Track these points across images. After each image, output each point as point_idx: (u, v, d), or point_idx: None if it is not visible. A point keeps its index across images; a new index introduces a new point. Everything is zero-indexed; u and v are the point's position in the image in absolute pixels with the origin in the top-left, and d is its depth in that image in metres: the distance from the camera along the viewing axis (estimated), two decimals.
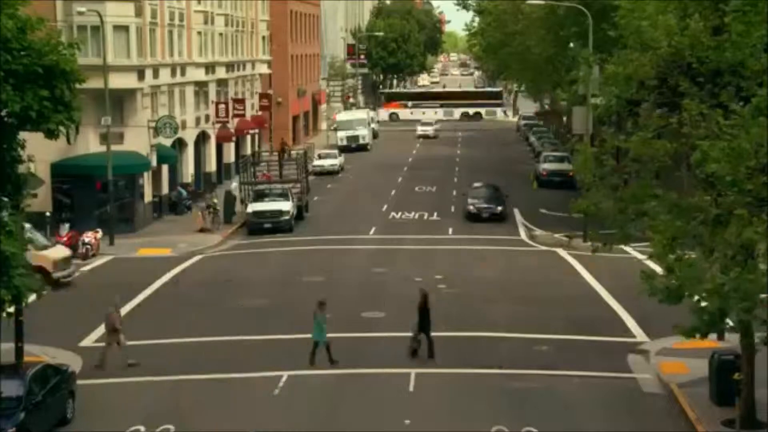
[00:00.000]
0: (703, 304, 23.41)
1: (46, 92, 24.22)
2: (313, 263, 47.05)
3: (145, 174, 55.96)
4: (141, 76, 54.34)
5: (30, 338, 30.41)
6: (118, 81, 52.07)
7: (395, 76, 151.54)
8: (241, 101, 73.39)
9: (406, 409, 27.09)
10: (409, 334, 32.09)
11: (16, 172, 25.48)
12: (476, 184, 62.80)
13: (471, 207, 58.29)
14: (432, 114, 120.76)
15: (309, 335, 34.22)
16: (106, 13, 50.93)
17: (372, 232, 55.06)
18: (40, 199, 48.02)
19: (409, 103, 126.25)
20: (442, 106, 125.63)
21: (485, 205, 58.23)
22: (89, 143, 52.16)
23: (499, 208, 58.19)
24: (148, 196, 56.69)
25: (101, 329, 35.44)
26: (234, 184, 61.91)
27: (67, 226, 48.50)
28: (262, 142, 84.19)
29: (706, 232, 23.88)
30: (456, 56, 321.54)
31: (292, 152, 70.08)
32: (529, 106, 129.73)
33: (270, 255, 49.66)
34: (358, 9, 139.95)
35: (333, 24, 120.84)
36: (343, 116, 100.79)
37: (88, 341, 34.15)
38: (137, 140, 54.56)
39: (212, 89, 69.57)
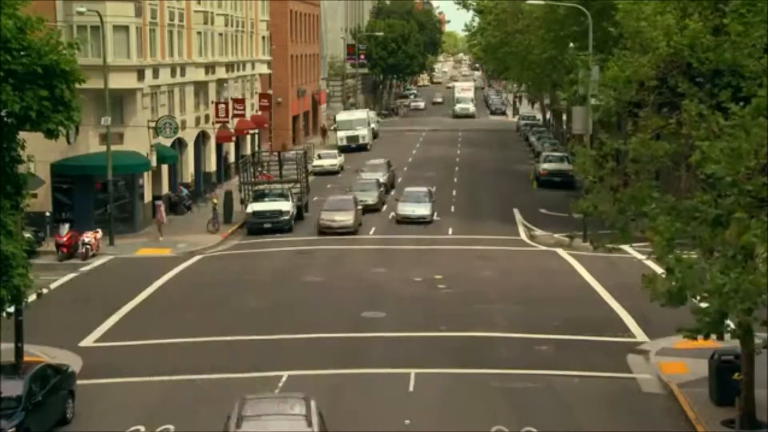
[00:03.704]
0: (704, 305, 23.42)
1: (45, 92, 24.18)
2: (313, 263, 47.05)
3: (145, 174, 55.96)
4: (141, 76, 54.34)
5: (30, 338, 30.42)
6: (118, 81, 52.07)
7: (395, 76, 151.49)
8: (241, 101, 73.37)
9: (406, 409, 27.09)
10: (407, 333, 32.01)
11: (16, 172, 25.47)
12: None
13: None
14: None
15: (308, 335, 34.30)
16: (106, 13, 50.94)
17: (372, 232, 55.04)
18: (40, 199, 48.16)
19: None
20: None
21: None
22: (89, 143, 52.18)
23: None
24: (148, 196, 56.70)
25: (101, 329, 35.54)
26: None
27: (67, 226, 48.50)
28: (262, 142, 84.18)
29: (706, 233, 23.89)
30: (456, 58, 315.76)
31: (292, 152, 69.97)
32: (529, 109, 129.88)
33: (270, 255, 49.65)
34: (358, 9, 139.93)
35: (333, 24, 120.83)
36: (343, 116, 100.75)
37: (88, 341, 34.14)
38: (137, 140, 54.56)
39: (212, 89, 69.55)
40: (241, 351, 32.88)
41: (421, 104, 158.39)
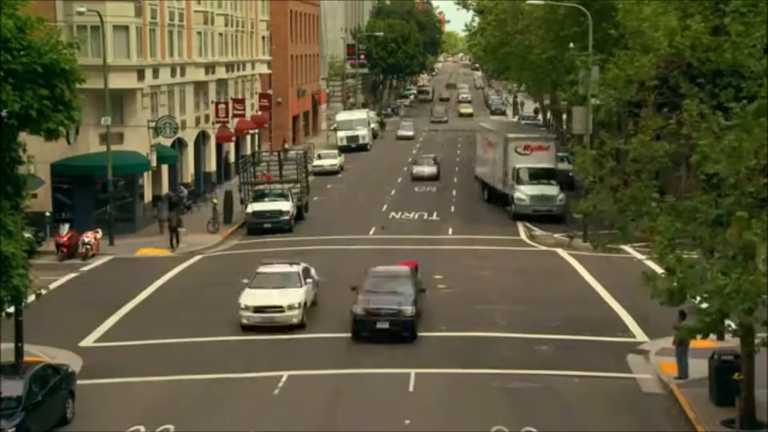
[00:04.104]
0: (704, 305, 23.41)
1: (45, 91, 24.21)
2: (313, 263, 46.88)
3: (145, 174, 55.96)
4: (141, 76, 54.34)
5: (30, 338, 30.40)
6: (118, 81, 52.08)
7: (395, 76, 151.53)
8: (241, 101, 73.41)
9: (406, 409, 27.07)
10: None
11: (16, 173, 25.47)
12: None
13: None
14: None
15: (309, 335, 34.28)
16: (106, 13, 50.95)
17: (372, 232, 55.04)
18: (40, 199, 48.15)
19: None
20: None
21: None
22: (89, 143, 52.20)
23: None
24: (148, 196, 56.68)
25: (101, 329, 35.53)
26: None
27: (67, 226, 48.51)
28: (262, 142, 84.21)
29: (706, 233, 23.88)
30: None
31: (290, 152, 69.99)
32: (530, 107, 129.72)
33: (270, 255, 49.56)
34: (358, 9, 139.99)
35: (333, 24, 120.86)
36: (343, 116, 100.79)
37: (88, 341, 34.13)
38: (137, 140, 54.57)
39: (212, 89, 69.57)
40: (241, 351, 32.87)
41: (410, 131, 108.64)
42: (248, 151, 75.93)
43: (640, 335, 34.02)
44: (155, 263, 46.92)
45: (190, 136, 64.33)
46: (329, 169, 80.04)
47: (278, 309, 34.68)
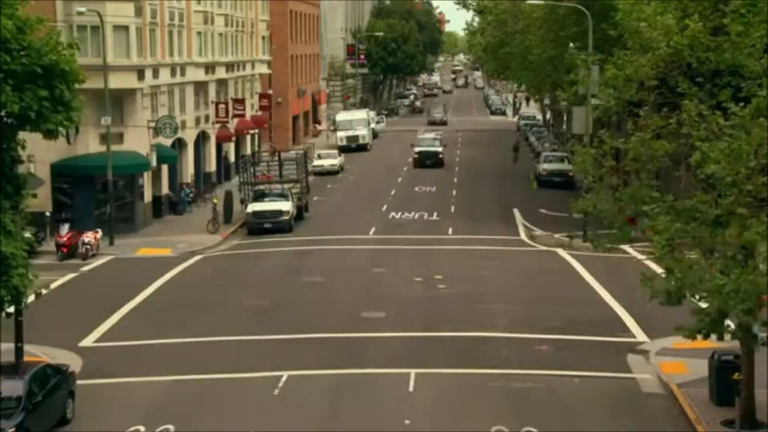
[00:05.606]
0: (704, 305, 23.41)
1: (45, 92, 24.20)
2: (313, 263, 47.04)
3: (145, 174, 55.97)
4: (141, 76, 54.34)
5: (30, 338, 30.40)
6: (118, 81, 52.09)
7: (395, 76, 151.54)
8: (241, 101, 73.42)
9: (406, 409, 27.08)
10: (407, 333, 31.98)
11: (15, 173, 25.47)
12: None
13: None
14: None
15: (308, 335, 34.27)
16: (106, 13, 50.97)
17: (372, 232, 55.06)
18: (40, 199, 48.14)
19: None
20: None
21: None
22: (89, 143, 52.21)
23: None
24: (148, 196, 56.68)
25: (101, 329, 35.53)
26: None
27: (67, 226, 48.52)
28: (262, 142, 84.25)
29: (706, 233, 23.88)
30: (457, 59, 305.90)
31: (291, 152, 69.99)
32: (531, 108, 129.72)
33: (270, 255, 49.65)
34: (358, 9, 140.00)
35: (333, 24, 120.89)
36: (343, 116, 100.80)
37: (88, 341, 34.13)
38: (137, 140, 54.57)
39: (212, 89, 69.59)
40: (241, 351, 32.88)
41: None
42: (248, 151, 75.95)
43: (640, 335, 34.03)
44: (155, 263, 46.92)
45: (190, 136, 64.33)
46: (329, 169, 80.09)
47: None
